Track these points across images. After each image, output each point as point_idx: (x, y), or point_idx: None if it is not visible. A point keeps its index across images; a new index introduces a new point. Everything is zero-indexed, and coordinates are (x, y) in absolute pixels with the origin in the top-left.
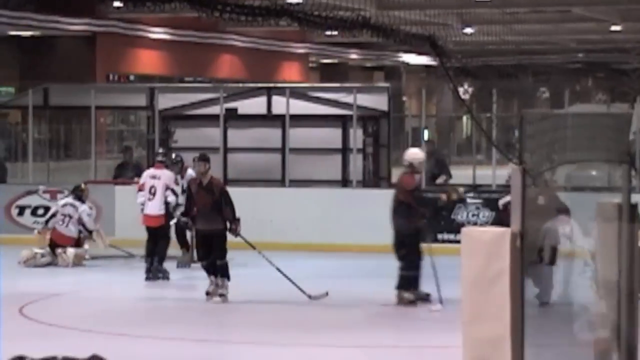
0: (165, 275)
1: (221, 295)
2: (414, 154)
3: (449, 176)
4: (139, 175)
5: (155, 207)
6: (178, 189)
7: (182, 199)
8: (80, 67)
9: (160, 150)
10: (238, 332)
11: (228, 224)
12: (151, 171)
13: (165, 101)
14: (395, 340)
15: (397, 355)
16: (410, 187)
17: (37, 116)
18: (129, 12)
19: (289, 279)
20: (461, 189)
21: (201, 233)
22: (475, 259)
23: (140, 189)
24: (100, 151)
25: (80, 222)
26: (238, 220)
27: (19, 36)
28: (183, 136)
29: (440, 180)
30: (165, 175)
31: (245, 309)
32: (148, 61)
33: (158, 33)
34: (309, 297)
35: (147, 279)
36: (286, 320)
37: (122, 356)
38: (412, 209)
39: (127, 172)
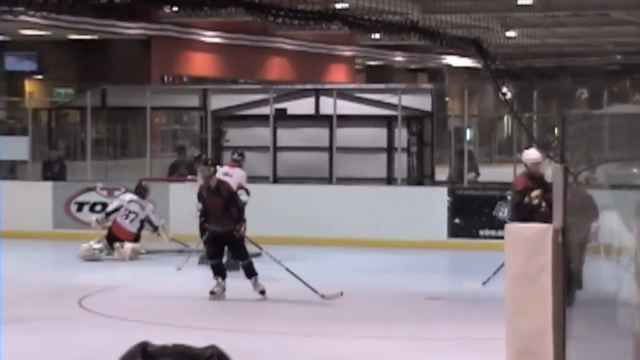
0: (236, 267)
1: (261, 292)
2: (527, 154)
3: (477, 174)
4: (192, 173)
5: None
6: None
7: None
8: (136, 69)
9: (240, 152)
10: (293, 325)
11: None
12: (225, 169)
13: (218, 102)
14: (438, 332)
15: (439, 347)
16: (518, 187)
17: (95, 116)
18: (182, 17)
19: (299, 279)
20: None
21: (214, 234)
22: (518, 255)
23: None
24: (155, 150)
25: (147, 219)
26: (244, 221)
27: (78, 40)
28: (235, 136)
29: (469, 177)
30: (238, 174)
31: (295, 302)
32: (201, 63)
33: (210, 37)
34: (322, 297)
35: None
36: (331, 313)
37: None
38: (519, 208)
39: (181, 170)
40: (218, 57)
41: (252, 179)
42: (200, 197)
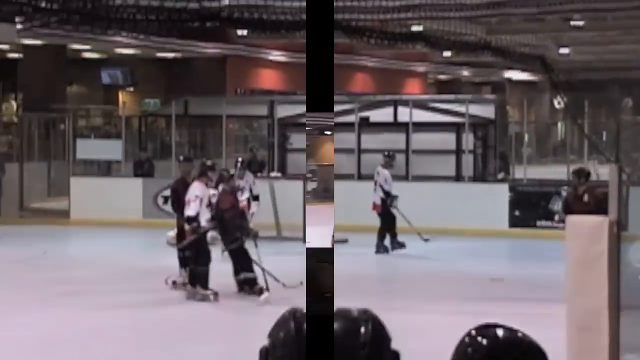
0: (399, 245)
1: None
2: None
3: (508, 173)
4: (261, 171)
5: (375, 198)
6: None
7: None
8: (213, 82)
9: (388, 154)
10: (373, 300)
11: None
12: (378, 168)
13: (283, 111)
14: (501, 309)
15: (508, 321)
16: None
17: (178, 123)
18: (253, 38)
19: (263, 269)
20: None
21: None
22: (578, 242)
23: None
24: (229, 152)
25: None
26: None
27: (164, 57)
28: (297, 139)
29: (500, 176)
30: (383, 174)
31: (377, 281)
32: (268, 78)
33: (276, 55)
34: (283, 285)
35: (377, 252)
36: (406, 290)
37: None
38: None
39: (252, 168)
40: (282, 73)
41: (337, 177)
42: (175, 192)
